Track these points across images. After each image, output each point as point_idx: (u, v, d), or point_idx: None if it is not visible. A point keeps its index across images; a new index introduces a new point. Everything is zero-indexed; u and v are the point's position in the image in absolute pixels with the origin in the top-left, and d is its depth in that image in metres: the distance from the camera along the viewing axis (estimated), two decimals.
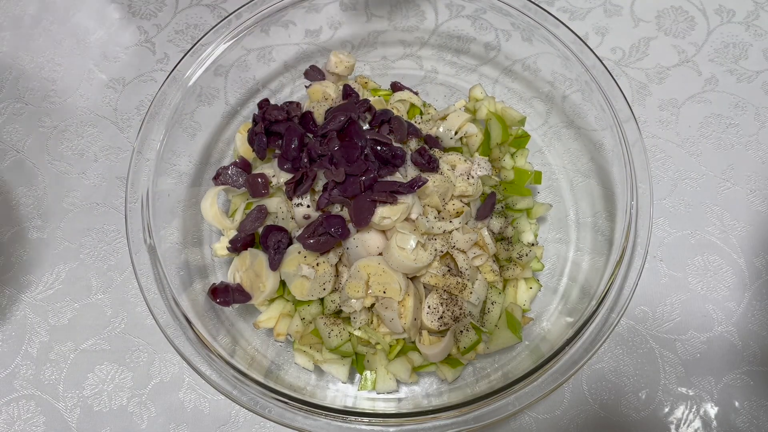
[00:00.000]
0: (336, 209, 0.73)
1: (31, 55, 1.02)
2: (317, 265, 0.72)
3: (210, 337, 0.69)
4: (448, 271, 0.73)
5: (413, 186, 0.71)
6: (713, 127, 0.92)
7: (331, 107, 0.81)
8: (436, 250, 0.72)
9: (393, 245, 0.70)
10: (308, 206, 0.73)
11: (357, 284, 0.70)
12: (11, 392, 0.81)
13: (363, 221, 0.70)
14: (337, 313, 0.74)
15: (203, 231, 0.84)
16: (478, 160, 0.81)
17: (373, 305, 0.72)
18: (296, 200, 0.74)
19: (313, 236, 0.71)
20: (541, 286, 0.81)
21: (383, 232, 0.73)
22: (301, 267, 0.71)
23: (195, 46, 0.80)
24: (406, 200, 0.71)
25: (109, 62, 1.01)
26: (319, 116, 0.80)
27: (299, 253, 0.73)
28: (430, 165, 0.75)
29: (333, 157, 0.73)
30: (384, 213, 0.70)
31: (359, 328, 0.73)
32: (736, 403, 0.78)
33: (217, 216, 0.79)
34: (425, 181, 0.72)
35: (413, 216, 0.72)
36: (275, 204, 0.77)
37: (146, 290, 0.70)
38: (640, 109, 0.93)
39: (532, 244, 0.80)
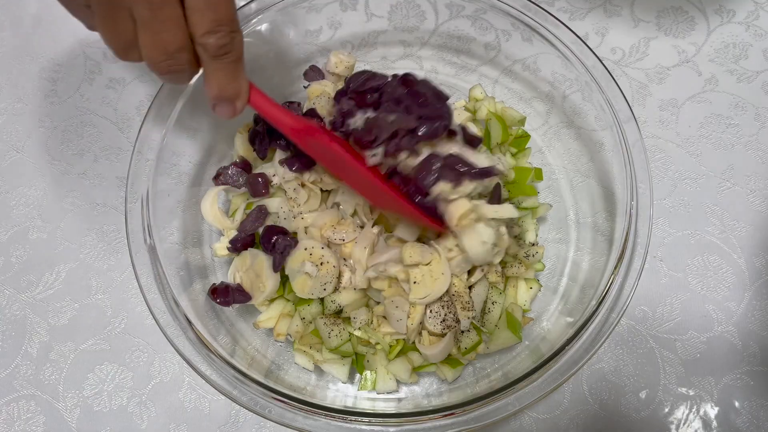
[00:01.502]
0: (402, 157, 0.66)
1: (31, 55, 1.01)
2: (321, 264, 0.72)
3: (210, 337, 0.69)
4: None
5: (484, 175, 0.64)
6: (713, 127, 0.92)
7: (348, 76, 0.77)
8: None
9: (473, 234, 0.66)
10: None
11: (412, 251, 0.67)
12: (11, 392, 0.81)
13: (424, 186, 0.63)
14: (337, 313, 0.74)
15: (203, 231, 0.84)
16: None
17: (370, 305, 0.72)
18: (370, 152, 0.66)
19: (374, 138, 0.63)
20: (541, 286, 0.81)
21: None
22: (305, 264, 0.71)
23: None
24: (469, 186, 0.65)
25: (109, 62, 1.01)
26: (321, 108, 0.79)
27: (305, 249, 0.72)
28: (473, 144, 0.70)
29: (400, 101, 0.65)
30: (443, 188, 0.65)
31: (359, 328, 0.73)
32: (736, 403, 0.78)
33: (217, 216, 0.79)
34: (499, 173, 0.66)
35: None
36: (276, 204, 0.77)
37: (146, 290, 0.70)
38: (640, 109, 0.93)
39: (533, 244, 0.80)
